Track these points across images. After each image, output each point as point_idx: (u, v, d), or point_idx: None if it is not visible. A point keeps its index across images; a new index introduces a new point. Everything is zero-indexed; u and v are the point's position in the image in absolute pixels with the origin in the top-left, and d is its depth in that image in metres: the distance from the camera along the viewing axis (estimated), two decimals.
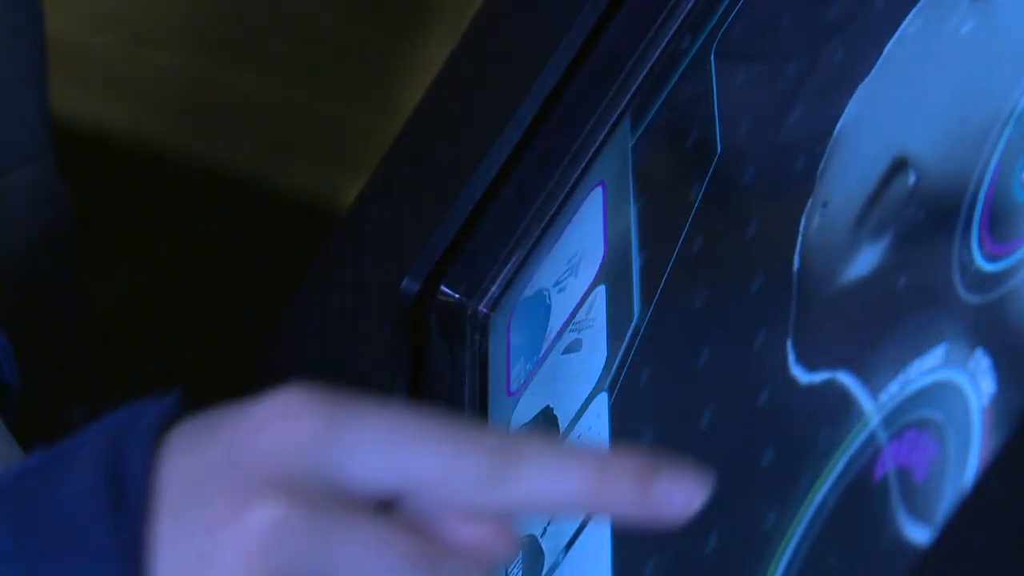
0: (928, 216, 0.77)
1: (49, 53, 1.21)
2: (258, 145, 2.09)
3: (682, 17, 0.87)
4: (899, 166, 0.76)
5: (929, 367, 0.70)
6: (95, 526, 0.67)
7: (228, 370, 1.03)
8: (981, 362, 0.67)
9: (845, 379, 0.73)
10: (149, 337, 1.67)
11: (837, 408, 0.73)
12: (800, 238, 0.78)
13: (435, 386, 0.89)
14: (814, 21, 0.86)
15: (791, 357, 0.77)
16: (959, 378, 0.68)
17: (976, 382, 0.66)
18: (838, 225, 0.77)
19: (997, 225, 0.73)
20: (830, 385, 0.74)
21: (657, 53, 0.88)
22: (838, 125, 0.81)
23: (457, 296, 0.90)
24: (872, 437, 0.69)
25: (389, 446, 0.67)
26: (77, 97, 1.58)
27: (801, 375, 0.75)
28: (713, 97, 0.86)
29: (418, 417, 0.67)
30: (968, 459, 0.65)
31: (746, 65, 0.87)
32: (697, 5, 0.88)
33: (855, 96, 0.81)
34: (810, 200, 0.78)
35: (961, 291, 0.73)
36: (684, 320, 0.82)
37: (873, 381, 0.73)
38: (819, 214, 0.78)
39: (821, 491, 0.72)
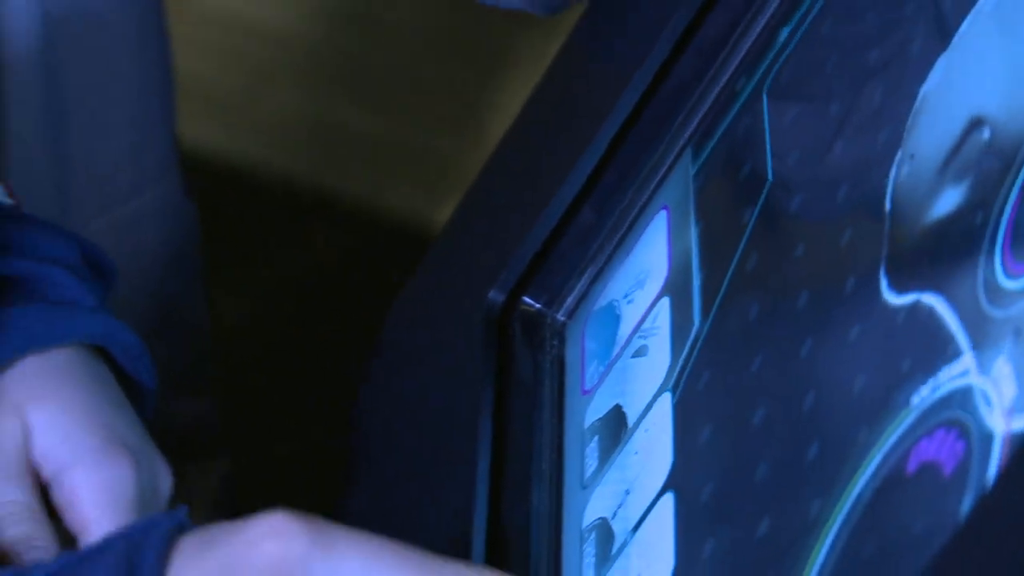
0: (1000, 164, 0.77)
1: (178, 89, 1.22)
2: (362, 173, 2.10)
3: (737, 61, 0.87)
4: (976, 124, 0.76)
5: (958, 372, 0.70)
6: None
7: (338, 371, 1.03)
8: (1003, 368, 0.66)
9: (931, 298, 0.73)
10: (268, 344, 1.68)
11: (925, 324, 0.73)
12: (891, 184, 0.78)
13: (518, 387, 0.89)
14: (858, 64, 0.86)
15: (884, 283, 0.77)
16: (984, 384, 0.68)
17: (999, 387, 0.66)
18: (923, 173, 0.77)
19: None
20: (917, 304, 0.74)
21: (716, 92, 0.88)
22: (921, 90, 0.81)
23: (538, 306, 0.90)
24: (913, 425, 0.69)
25: (361, 569, 0.70)
26: (203, 128, 1.59)
27: (893, 298, 0.75)
28: (765, 131, 0.85)
29: (385, 546, 0.71)
30: (990, 459, 0.65)
31: (795, 103, 0.86)
32: (751, 51, 0.88)
33: (936, 66, 0.81)
34: (899, 152, 0.79)
35: None
36: (740, 328, 0.82)
37: (955, 299, 0.74)
38: (908, 164, 0.78)
39: (859, 483, 0.71)
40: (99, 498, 0.82)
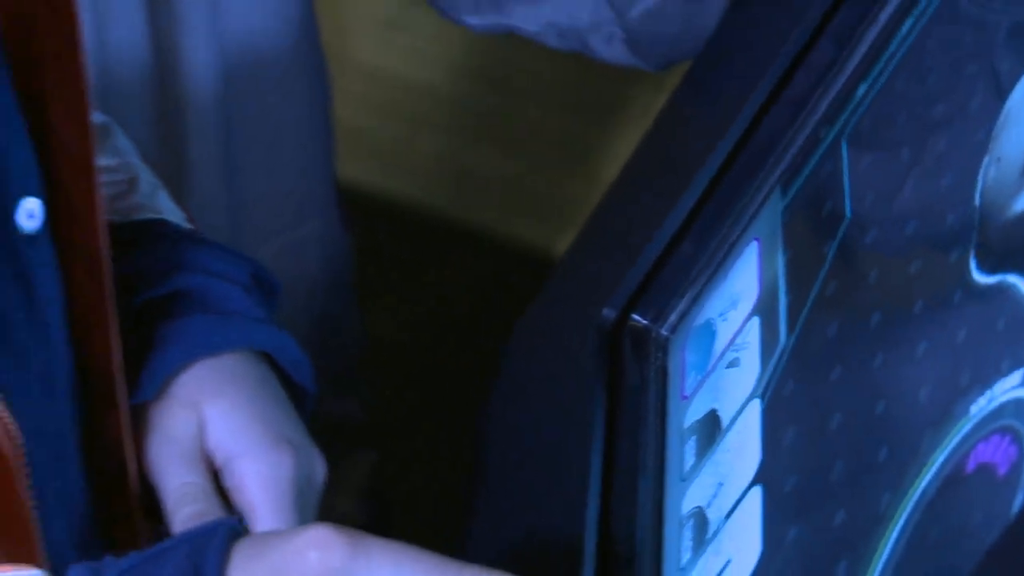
0: None
1: (339, 134, 1.23)
2: (494, 208, 2.10)
3: (820, 114, 0.87)
4: None
5: (1011, 386, 0.71)
6: None
7: (471, 376, 1.03)
8: None
9: (1014, 279, 0.73)
10: (413, 354, 1.68)
11: (1008, 300, 0.73)
12: (980, 184, 0.78)
13: (626, 393, 0.88)
14: (929, 113, 0.86)
15: (973, 266, 0.77)
16: None
17: None
18: (1008, 174, 0.77)
19: None
20: (1002, 283, 0.74)
21: (801, 140, 0.88)
22: (1006, 107, 0.81)
23: (645, 322, 0.88)
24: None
25: (393, 573, 0.69)
26: (360, 168, 1.59)
27: (981, 278, 0.76)
28: (844, 174, 0.86)
29: (413, 553, 0.70)
30: None
31: (871, 149, 0.86)
32: (832, 104, 0.87)
33: (1018, 86, 0.82)
34: (986, 158, 0.78)
35: None
36: (820, 344, 0.82)
37: None
38: (995, 167, 0.78)
39: (924, 481, 0.72)
40: (262, 485, 0.83)
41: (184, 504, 0.83)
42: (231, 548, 0.70)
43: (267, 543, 0.71)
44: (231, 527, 0.73)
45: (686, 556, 0.81)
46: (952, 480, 0.71)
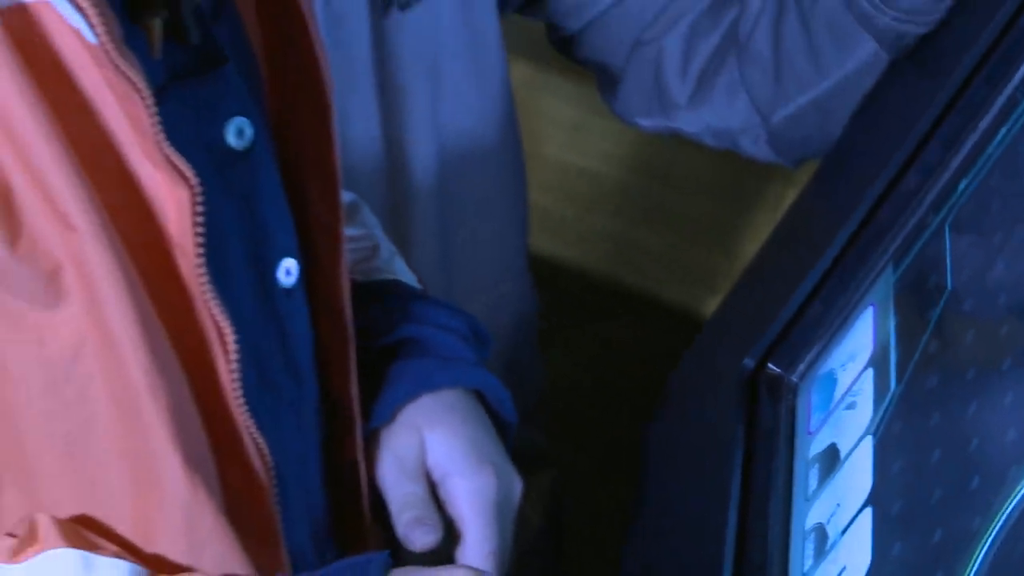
0: None
1: (531, 212, 1.25)
2: (651, 274, 2.10)
3: (928, 203, 0.86)
4: None
5: None
6: None
7: (638, 415, 1.02)
8: None
9: None
10: (587, 395, 1.68)
11: None
12: None
13: (762, 429, 0.88)
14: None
15: None
16: None
17: None
18: None
19: None
20: None
21: (912, 224, 0.87)
22: None
23: (779, 371, 0.89)
24: None
25: None
26: (545, 240, 1.60)
27: None
28: (947, 254, 0.84)
29: None
30: None
31: (969, 235, 0.85)
32: (939, 196, 0.86)
33: None
34: None
35: None
36: (923, 392, 0.81)
37: None
38: None
39: (1010, 507, 0.70)
40: (470, 500, 0.82)
41: (406, 510, 0.83)
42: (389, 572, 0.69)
43: (416, 572, 0.71)
44: (384, 560, 0.71)
45: (808, 563, 0.80)
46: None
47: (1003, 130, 0.85)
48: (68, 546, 0.67)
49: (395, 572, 0.70)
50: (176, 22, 0.71)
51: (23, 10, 0.65)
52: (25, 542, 0.68)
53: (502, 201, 1.17)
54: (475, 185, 1.13)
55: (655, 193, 2.16)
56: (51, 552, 0.67)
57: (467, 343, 0.88)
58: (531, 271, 1.26)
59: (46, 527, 0.68)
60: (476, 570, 0.70)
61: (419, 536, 0.81)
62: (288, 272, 0.77)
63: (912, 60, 0.96)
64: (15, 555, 0.68)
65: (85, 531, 0.70)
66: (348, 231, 0.87)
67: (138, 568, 0.69)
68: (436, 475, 0.84)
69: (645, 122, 1.08)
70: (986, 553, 0.70)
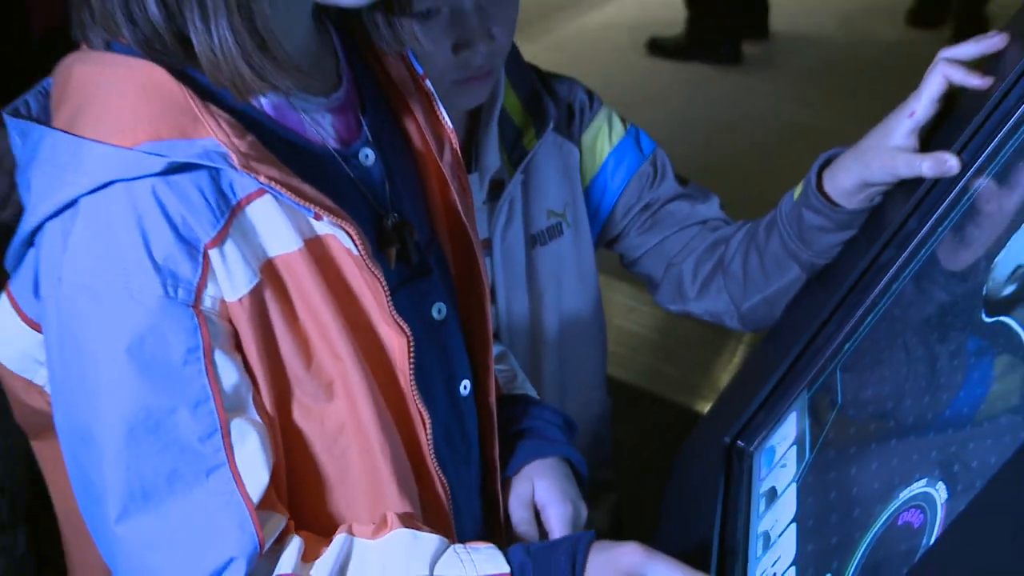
0: None
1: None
2: (670, 391, 2.06)
3: (826, 358, 0.85)
4: (1018, 269, 0.66)
5: (920, 486, 0.67)
6: (566, 571, 0.64)
7: (665, 471, 1.00)
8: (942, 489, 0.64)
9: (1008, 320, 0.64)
10: (633, 456, 1.57)
11: (1007, 338, 0.64)
12: (985, 291, 0.68)
13: (734, 480, 0.86)
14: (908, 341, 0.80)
15: (983, 313, 0.67)
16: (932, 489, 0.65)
17: (939, 492, 0.64)
18: (999, 283, 0.66)
19: None
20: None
21: (817, 368, 0.85)
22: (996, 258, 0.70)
23: (743, 445, 0.87)
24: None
25: (666, 571, 0.64)
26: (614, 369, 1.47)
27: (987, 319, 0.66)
28: (838, 384, 0.82)
29: (677, 563, 0.64)
30: (936, 525, 0.62)
31: (850, 374, 0.83)
32: (833, 353, 0.84)
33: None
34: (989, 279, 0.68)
35: None
36: (825, 461, 0.78)
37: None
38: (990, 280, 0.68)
39: (879, 526, 0.68)
40: (557, 520, 0.78)
41: (520, 526, 0.79)
42: (590, 546, 0.65)
43: (607, 548, 0.65)
44: (591, 536, 0.67)
45: (759, 553, 0.79)
46: (891, 528, 0.65)
47: (869, 318, 0.83)
48: (404, 527, 0.65)
49: (597, 543, 0.66)
50: (404, 250, 0.69)
51: (319, 239, 0.62)
52: (379, 527, 0.65)
53: (593, 348, 1.11)
54: (579, 342, 1.08)
55: (667, 343, 2.15)
56: (395, 531, 0.64)
57: (562, 430, 0.84)
58: (606, 384, 1.18)
59: (391, 517, 0.66)
60: (645, 547, 0.65)
61: (526, 538, 0.79)
62: (465, 387, 0.75)
63: (819, 278, 0.95)
64: (374, 535, 0.65)
65: (409, 519, 0.67)
66: (499, 367, 0.86)
67: (439, 536, 0.66)
68: (540, 505, 0.80)
69: (672, 307, 1.05)
70: (863, 553, 0.68)
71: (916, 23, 3.34)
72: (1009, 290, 0.65)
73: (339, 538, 0.63)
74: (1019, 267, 0.65)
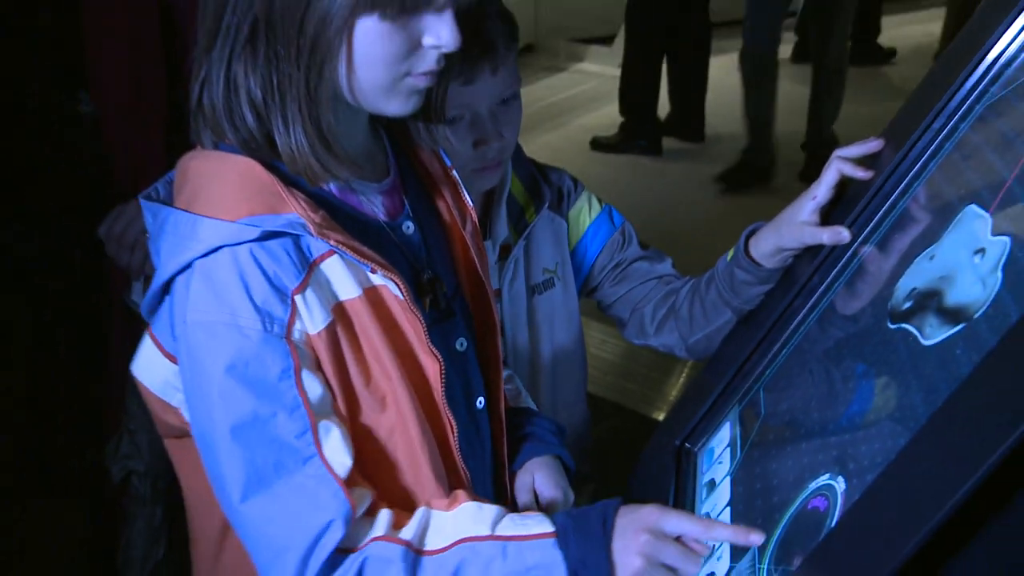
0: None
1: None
2: (634, 401, 1.98)
3: (752, 379, 0.84)
4: (913, 291, 0.63)
5: (825, 478, 0.64)
6: (600, 533, 0.60)
7: (629, 466, 0.92)
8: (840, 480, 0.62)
9: (909, 327, 0.61)
10: (597, 449, 1.35)
11: (905, 340, 0.60)
12: (889, 307, 0.65)
13: (684, 473, 0.82)
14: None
15: (888, 322, 0.64)
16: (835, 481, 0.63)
17: (839, 484, 0.62)
18: (900, 301, 0.65)
19: None
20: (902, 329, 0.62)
21: (746, 388, 0.84)
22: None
23: (690, 446, 0.86)
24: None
25: (678, 525, 0.60)
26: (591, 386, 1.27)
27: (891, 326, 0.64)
28: (761, 400, 0.81)
29: (687, 514, 0.62)
30: (837, 510, 0.61)
31: (771, 393, 0.81)
32: (759, 376, 0.83)
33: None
34: (892, 298, 0.66)
35: None
36: (753, 457, 0.77)
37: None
38: (892, 299, 0.66)
39: (795, 507, 0.65)
40: (551, 504, 0.76)
41: (523, 508, 0.77)
42: (619, 508, 0.62)
43: (630, 509, 0.62)
44: (619, 501, 0.63)
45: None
46: (802, 511, 0.62)
47: (784, 350, 0.82)
48: (471, 501, 0.63)
49: (624, 507, 0.62)
50: (435, 299, 0.69)
51: (375, 288, 0.63)
52: (452, 501, 0.64)
53: (576, 371, 1.08)
54: (566, 367, 1.05)
55: (633, 370, 2.10)
56: (465, 503, 0.63)
57: (555, 435, 0.82)
58: (586, 400, 1.14)
59: (461, 494, 0.64)
60: (662, 506, 0.61)
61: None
62: (480, 402, 0.74)
63: (746, 320, 0.92)
64: (448, 507, 0.63)
65: (475, 496, 0.64)
66: (507, 386, 0.85)
67: (499, 507, 0.63)
68: (538, 492, 0.78)
69: (635, 341, 1.03)
70: (781, 530, 0.66)
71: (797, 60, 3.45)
72: (906, 305, 0.64)
73: (420, 511, 0.62)
74: (913, 289, 0.65)
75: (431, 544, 0.60)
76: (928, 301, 0.61)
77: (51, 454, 1.09)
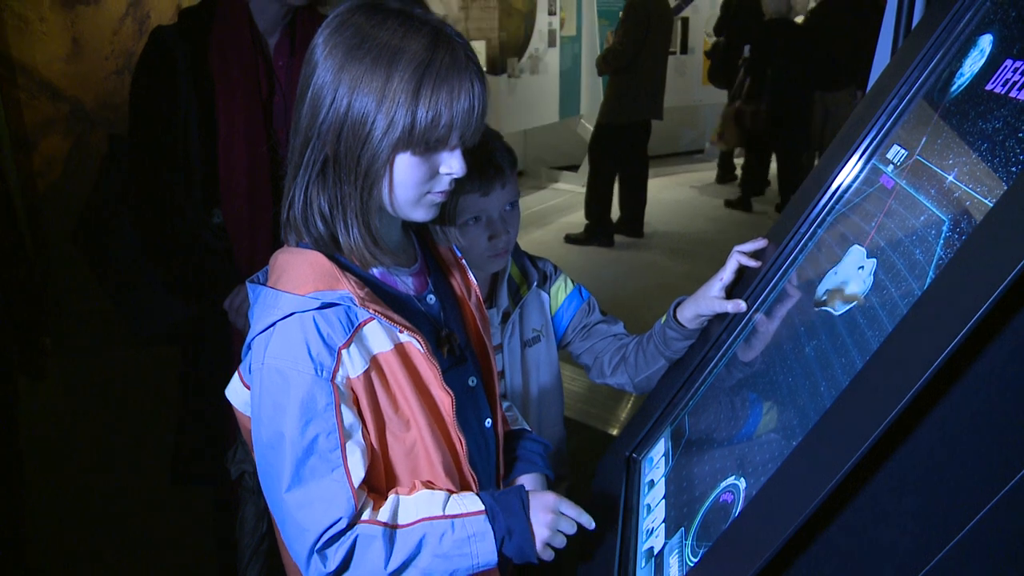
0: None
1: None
2: (599, 419, 1.91)
3: (679, 407, 0.81)
4: (825, 292, 0.62)
5: (731, 478, 0.62)
6: (519, 508, 0.61)
7: (590, 470, 0.87)
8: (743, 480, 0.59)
9: (827, 308, 0.60)
10: (571, 453, 1.17)
11: (825, 321, 0.59)
12: (814, 299, 0.65)
13: (631, 477, 0.79)
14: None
15: (813, 307, 0.64)
16: (738, 481, 0.62)
17: (742, 482, 0.61)
18: (820, 296, 0.64)
19: None
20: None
21: (675, 414, 0.80)
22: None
23: (636, 456, 0.83)
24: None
25: (566, 508, 0.62)
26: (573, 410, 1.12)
27: (815, 309, 0.62)
28: (686, 424, 0.78)
29: (568, 503, 0.62)
30: (740, 503, 0.59)
31: (694, 418, 0.79)
32: (685, 406, 0.81)
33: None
34: (815, 294, 0.64)
35: None
36: (680, 465, 0.74)
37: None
38: (815, 296, 0.64)
39: (709, 501, 0.64)
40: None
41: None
42: (529, 493, 0.63)
43: (538, 494, 0.63)
44: (527, 489, 0.64)
45: (644, 516, 0.74)
46: (716, 503, 0.60)
47: (703, 387, 0.81)
48: (425, 488, 0.62)
49: (533, 492, 0.61)
50: (451, 349, 0.67)
51: (403, 344, 0.61)
52: (411, 489, 0.62)
53: (556, 402, 1.03)
54: (548, 400, 1.01)
55: (596, 400, 2.01)
56: (421, 490, 0.61)
57: (541, 456, 0.77)
58: (563, 420, 1.07)
59: (419, 484, 0.62)
60: (557, 494, 0.60)
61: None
62: (488, 424, 0.71)
63: (676, 365, 0.89)
64: (409, 492, 0.62)
65: (429, 484, 0.62)
66: (507, 414, 0.79)
67: (445, 491, 0.61)
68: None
69: (597, 380, 1.00)
70: (700, 517, 0.64)
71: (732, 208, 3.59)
72: (823, 297, 0.65)
73: (391, 497, 0.62)
74: (827, 289, 0.65)
75: (401, 520, 0.60)
76: (835, 293, 0.64)
77: (193, 457, 1.16)
